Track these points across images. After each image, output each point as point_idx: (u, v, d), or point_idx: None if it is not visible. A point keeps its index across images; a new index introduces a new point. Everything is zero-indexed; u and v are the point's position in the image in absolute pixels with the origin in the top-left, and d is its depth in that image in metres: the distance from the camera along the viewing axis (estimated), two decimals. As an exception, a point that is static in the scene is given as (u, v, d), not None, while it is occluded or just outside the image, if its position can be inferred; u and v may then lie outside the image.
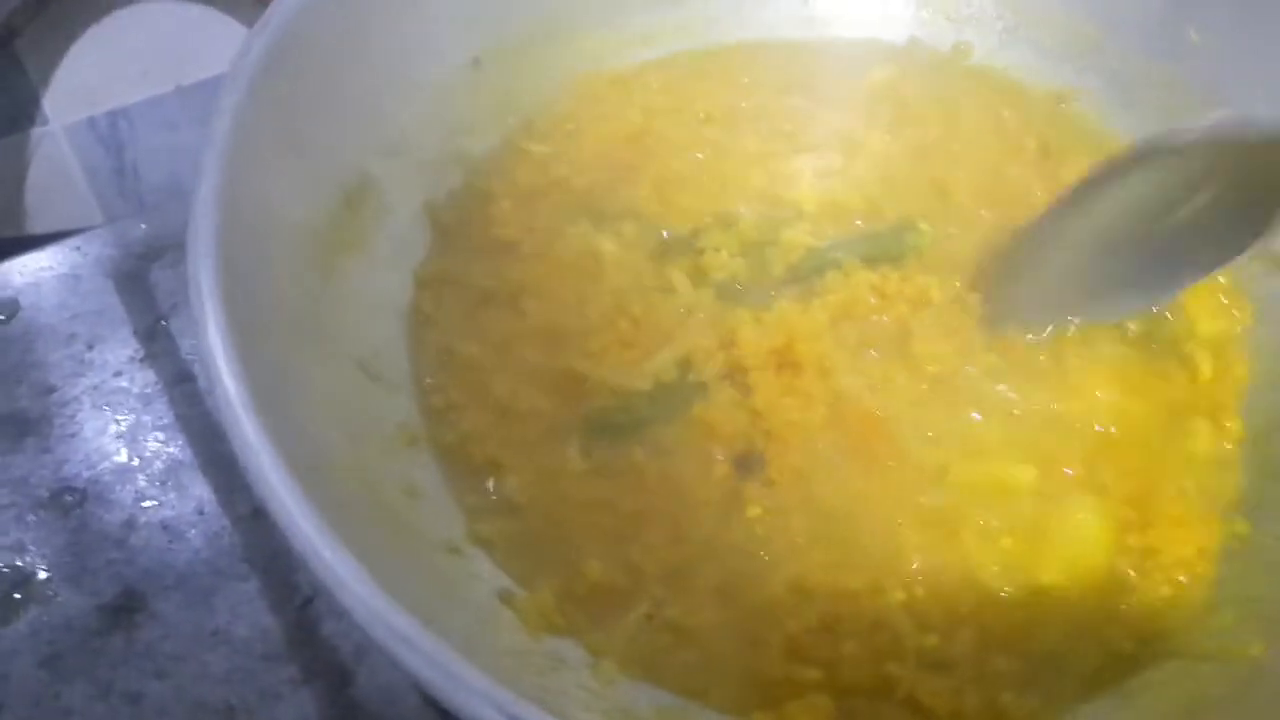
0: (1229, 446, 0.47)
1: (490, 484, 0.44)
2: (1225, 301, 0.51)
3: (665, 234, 0.51)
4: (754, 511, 0.43)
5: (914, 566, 0.43)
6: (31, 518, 0.49)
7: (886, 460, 0.45)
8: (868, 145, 0.55)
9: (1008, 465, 0.45)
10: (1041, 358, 0.48)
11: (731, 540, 0.43)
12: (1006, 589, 0.42)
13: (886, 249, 0.51)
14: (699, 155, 0.54)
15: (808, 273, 0.50)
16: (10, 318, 0.56)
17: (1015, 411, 0.46)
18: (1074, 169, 0.55)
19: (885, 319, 0.48)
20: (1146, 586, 0.43)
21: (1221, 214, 0.44)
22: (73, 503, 0.50)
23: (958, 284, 0.49)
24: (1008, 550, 0.43)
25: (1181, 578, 0.43)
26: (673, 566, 0.42)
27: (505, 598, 0.41)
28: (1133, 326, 0.49)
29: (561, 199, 0.52)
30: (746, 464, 0.45)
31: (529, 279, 0.49)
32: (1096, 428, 0.46)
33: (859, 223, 0.52)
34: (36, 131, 0.77)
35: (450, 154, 0.52)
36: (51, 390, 0.53)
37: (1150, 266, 0.47)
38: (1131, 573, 0.43)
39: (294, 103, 0.44)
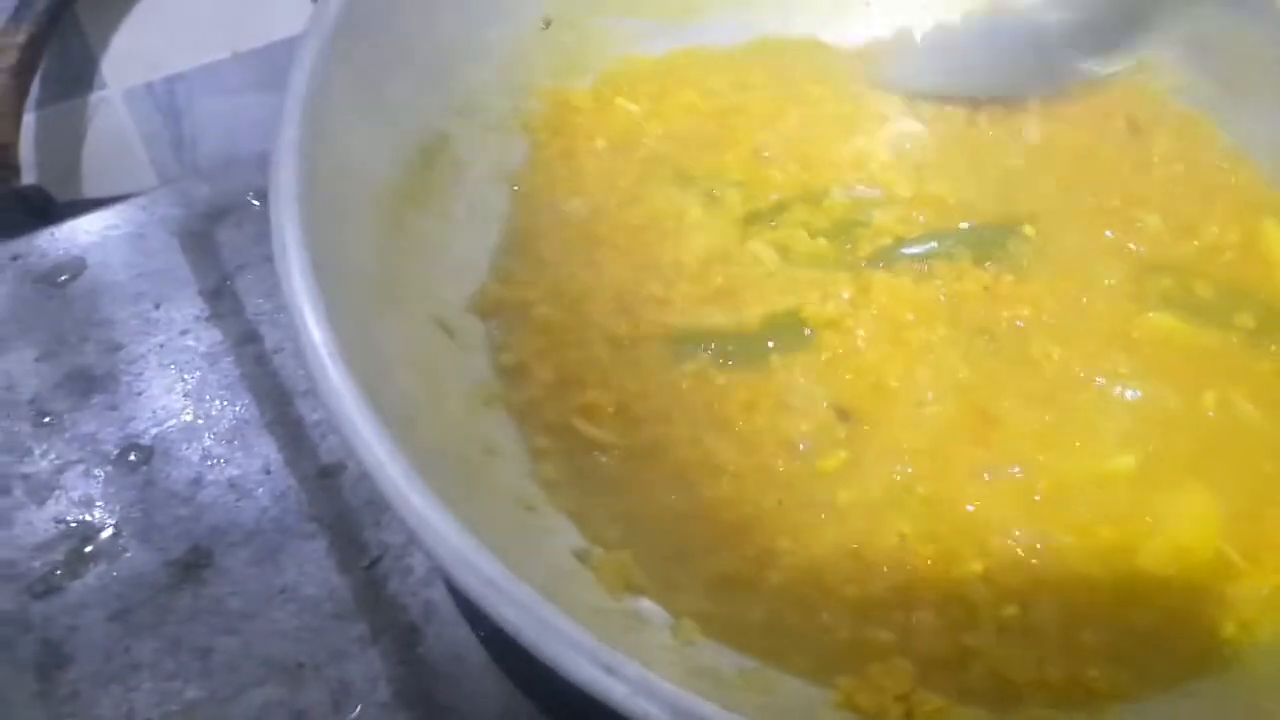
0: None
1: (562, 444, 0.44)
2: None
3: (750, 204, 0.50)
4: (830, 464, 0.43)
5: (997, 542, 0.42)
6: (99, 473, 0.49)
7: (984, 439, 0.44)
8: (958, 133, 0.54)
9: (1114, 455, 0.44)
10: (1155, 353, 0.47)
11: (799, 500, 0.43)
12: (1101, 571, 0.41)
13: (989, 248, 0.50)
14: (784, 132, 0.54)
15: (900, 258, 0.49)
16: (76, 275, 0.56)
17: (1129, 406, 0.45)
18: (1163, 145, 0.54)
19: (999, 315, 0.48)
20: (1255, 573, 0.41)
21: None
22: (140, 460, 0.50)
23: (1069, 287, 0.49)
24: (1104, 536, 0.42)
25: None
26: (741, 526, 0.42)
27: (582, 556, 0.41)
28: (1249, 322, 0.48)
29: (644, 160, 0.52)
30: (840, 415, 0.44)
31: (607, 238, 0.49)
32: (1211, 418, 0.45)
33: (953, 211, 0.51)
34: (94, 96, 0.76)
35: (523, 113, 0.52)
36: (119, 348, 0.53)
37: None
38: (1239, 559, 0.42)
39: (369, 58, 0.44)
